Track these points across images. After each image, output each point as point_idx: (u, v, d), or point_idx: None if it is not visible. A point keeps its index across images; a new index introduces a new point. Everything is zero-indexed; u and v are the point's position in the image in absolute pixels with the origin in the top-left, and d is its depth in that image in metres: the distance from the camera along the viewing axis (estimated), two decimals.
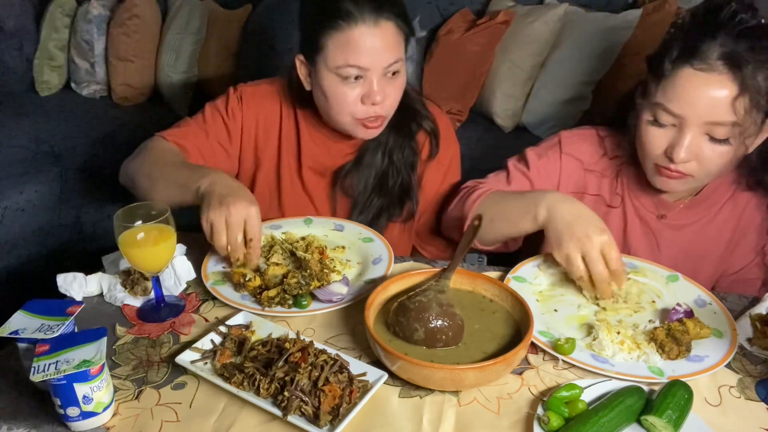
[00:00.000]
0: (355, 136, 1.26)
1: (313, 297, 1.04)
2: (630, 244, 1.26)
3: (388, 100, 1.19)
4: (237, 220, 1.02)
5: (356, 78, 1.16)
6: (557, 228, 1.04)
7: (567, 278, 1.11)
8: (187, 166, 1.21)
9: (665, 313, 1.01)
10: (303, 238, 1.22)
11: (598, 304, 1.05)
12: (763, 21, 1.03)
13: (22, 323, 0.85)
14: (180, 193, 1.12)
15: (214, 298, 1.07)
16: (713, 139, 1.04)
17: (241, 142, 1.35)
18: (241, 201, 1.03)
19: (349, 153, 1.35)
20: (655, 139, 1.09)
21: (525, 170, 1.26)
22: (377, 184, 1.33)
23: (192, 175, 1.12)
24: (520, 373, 0.91)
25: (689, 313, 0.99)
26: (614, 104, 1.26)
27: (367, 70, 1.15)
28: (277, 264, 1.11)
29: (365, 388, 0.84)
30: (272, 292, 1.03)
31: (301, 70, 1.24)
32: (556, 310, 1.04)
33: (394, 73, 1.18)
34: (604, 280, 1.01)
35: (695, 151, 1.06)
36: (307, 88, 1.25)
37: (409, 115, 1.32)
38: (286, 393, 0.81)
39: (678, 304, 1.00)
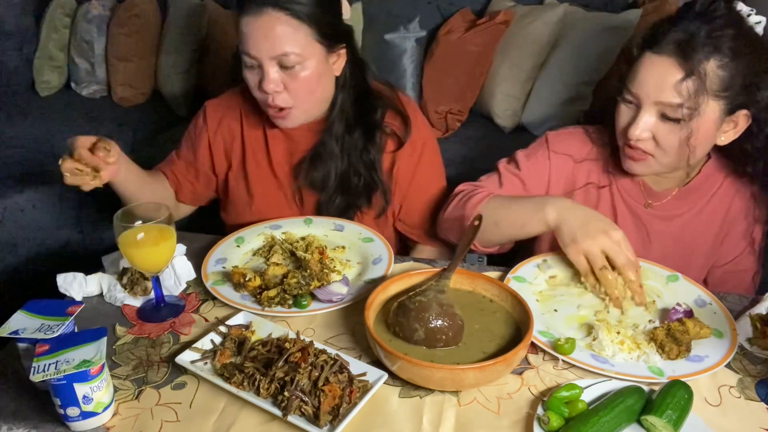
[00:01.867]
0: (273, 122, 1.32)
1: (313, 297, 1.04)
2: None
3: (288, 93, 1.24)
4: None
5: (254, 66, 1.23)
6: (571, 228, 1.06)
7: (567, 278, 1.12)
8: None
9: (665, 313, 1.01)
10: (303, 238, 1.22)
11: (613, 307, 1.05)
12: (738, 9, 1.09)
13: (22, 323, 0.85)
14: None
15: (214, 298, 1.07)
16: (666, 117, 1.09)
17: (211, 155, 1.43)
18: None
19: (313, 141, 1.36)
20: (621, 116, 1.16)
21: (516, 171, 1.28)
22: (339, 183, 1.35)
23: None
24: (520, 373, 0.91)
25: (689, 313, 0.99)
26: (604, 101, 1.30)
27: (256, 58, 1.21)
28: (277, 264, 1.12)
29: (365, 388, 0.84)
30: (272, 292, 1.03)
31: None
32: (556, 310, 1.04)
33: (291, 67, 1.21)
34: (630, 268, 1.04)
35: (651, 129, 1.11)
36: None
37: (367, 117, 1.35)
38: (286, 393, 0.81)
39: (678, 304, 1.00)
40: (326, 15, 1.24)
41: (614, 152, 1.24)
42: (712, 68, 1.05)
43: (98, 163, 1.14)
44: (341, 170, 1.34)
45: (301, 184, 1.37)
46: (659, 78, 1.08)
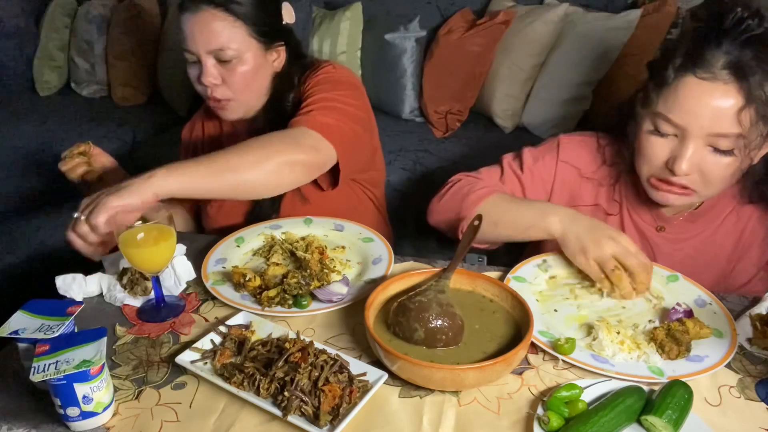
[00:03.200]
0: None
1: (313, 297, 1.04)
2: None
3: (226, 86, 1.31)
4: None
5: (194, 62, 1.30)
6: (578, 237, 1.05)
7: (567, 278, 1.11)
8: None
9: (665, 313, 1.01)
10: (303, 238, 1.22)
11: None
12: None
13: (22, 323, 0.85)
14: None
15: (214, 298, 1.07)
16: (717, 150, 1.01)
17: None
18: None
19: None
20: (656, 149, 1.06)
21: (519, 173, 1.24)
22: None
23: None
24: (520, 373, 0.91)
25: (689, 313, 0.99)
26: (615, 110, 1.21)
27: (194, 53, 1.28)
28: (277, 264, 1.11)
29: (365, 388, 0.84)
30: (272, 292, 1.03)
31: None
32: (556, 310, 1.04)
33: (228, 61, 1.28)
34: (642, 269, 1.01)
35: (698, 163, 1.03)
36: None
37: (281, 104, 1.38)
38: (286, 393, 0.81)
39: (678, 304, 1.00)
40: (262, 13, 1.30)
41: (625, 174, 1.20)
42: (767, 92, 0.97)
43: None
44: None
45: None
46: (716, 107, 0.97)
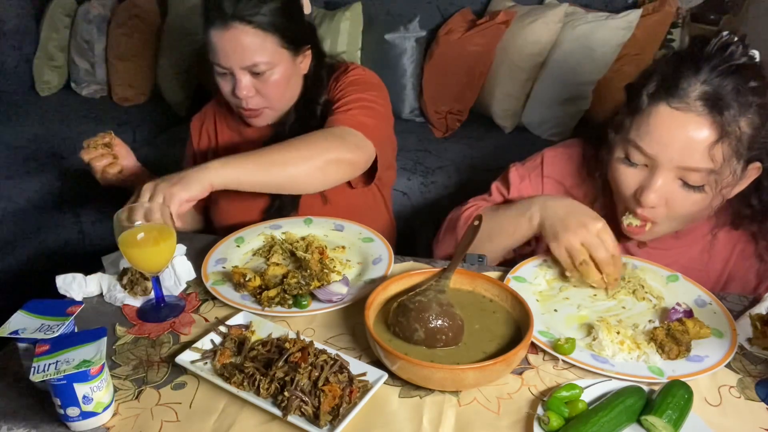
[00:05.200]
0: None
1: (313, 297, 1.04)
2: None
3: (260, 96, 1.32)
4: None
5: (225, 74, 1.30)
6: (552, 223, 1.04)
7: (566, 278, 1.11)
8: None
9: (665, 313, 1.01)
10: (303, 238, 1.22)
11: (605, 290, 1.05)
12: (753, 57, 0.96)
13: (22, 323, 0.85)
14: None
15: (214, 298, 1.07)
16: (686, 185, 0.98)
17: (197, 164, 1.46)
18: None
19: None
20: (626, 178, 1.03)
21: (506, 194, 1.24)
22: None
23: None
24: (520, 373, 0.91)
25: (689, 313, 0.99)
26: (597, 128, 1.15)
27: (227, 68, 1.28)
28: (277, 264, 1.12)
29: (365, 388, 0.84)
30: (272, 292, 1.03)
31: None
32: (556, 310, 1.04)
33: (262, 73, 1.29)
34: (609, 262, 1.00)
35: (665, 196, 1.00)
36: None
37: (312, 105, 1.39)
38: (286, 393, 0.81)
39: (678, 304, 1.00)
40: (289, 22, 1.30)
41: (604, 191, 1.17)
42: (743, 127, 0.93)
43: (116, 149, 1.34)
44: None
45: None
46: (687, 140, 0.93)
